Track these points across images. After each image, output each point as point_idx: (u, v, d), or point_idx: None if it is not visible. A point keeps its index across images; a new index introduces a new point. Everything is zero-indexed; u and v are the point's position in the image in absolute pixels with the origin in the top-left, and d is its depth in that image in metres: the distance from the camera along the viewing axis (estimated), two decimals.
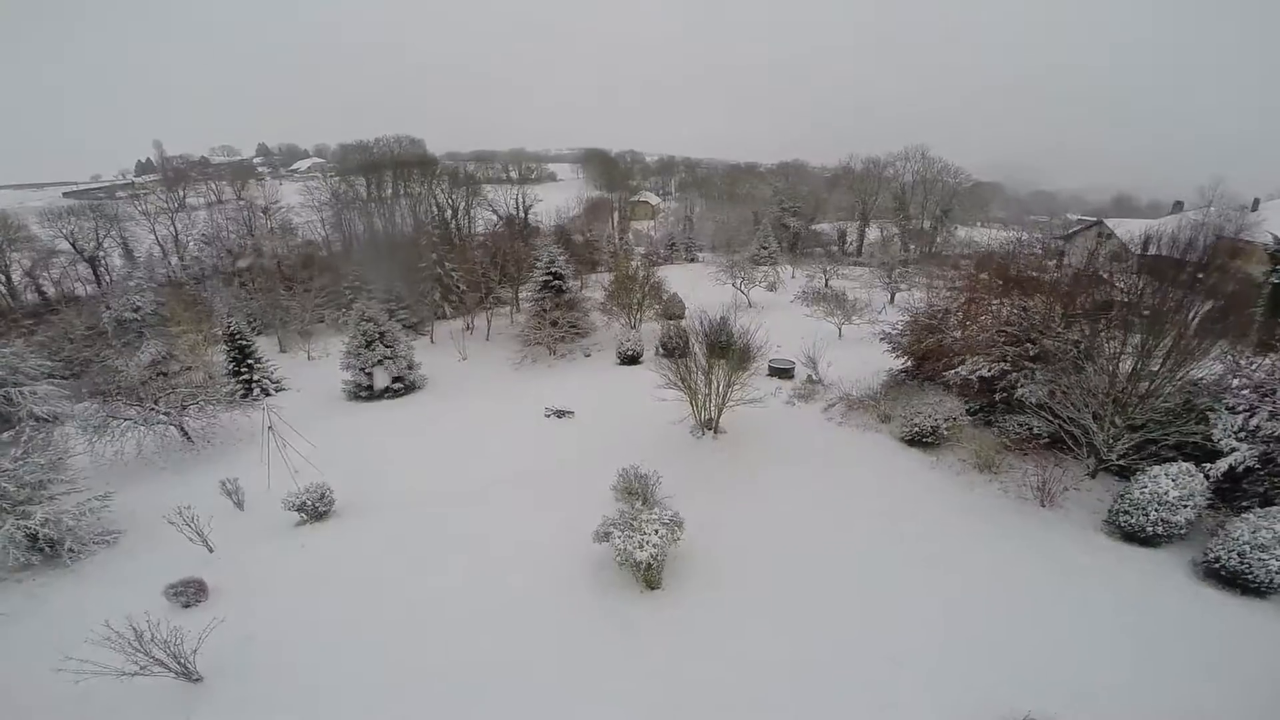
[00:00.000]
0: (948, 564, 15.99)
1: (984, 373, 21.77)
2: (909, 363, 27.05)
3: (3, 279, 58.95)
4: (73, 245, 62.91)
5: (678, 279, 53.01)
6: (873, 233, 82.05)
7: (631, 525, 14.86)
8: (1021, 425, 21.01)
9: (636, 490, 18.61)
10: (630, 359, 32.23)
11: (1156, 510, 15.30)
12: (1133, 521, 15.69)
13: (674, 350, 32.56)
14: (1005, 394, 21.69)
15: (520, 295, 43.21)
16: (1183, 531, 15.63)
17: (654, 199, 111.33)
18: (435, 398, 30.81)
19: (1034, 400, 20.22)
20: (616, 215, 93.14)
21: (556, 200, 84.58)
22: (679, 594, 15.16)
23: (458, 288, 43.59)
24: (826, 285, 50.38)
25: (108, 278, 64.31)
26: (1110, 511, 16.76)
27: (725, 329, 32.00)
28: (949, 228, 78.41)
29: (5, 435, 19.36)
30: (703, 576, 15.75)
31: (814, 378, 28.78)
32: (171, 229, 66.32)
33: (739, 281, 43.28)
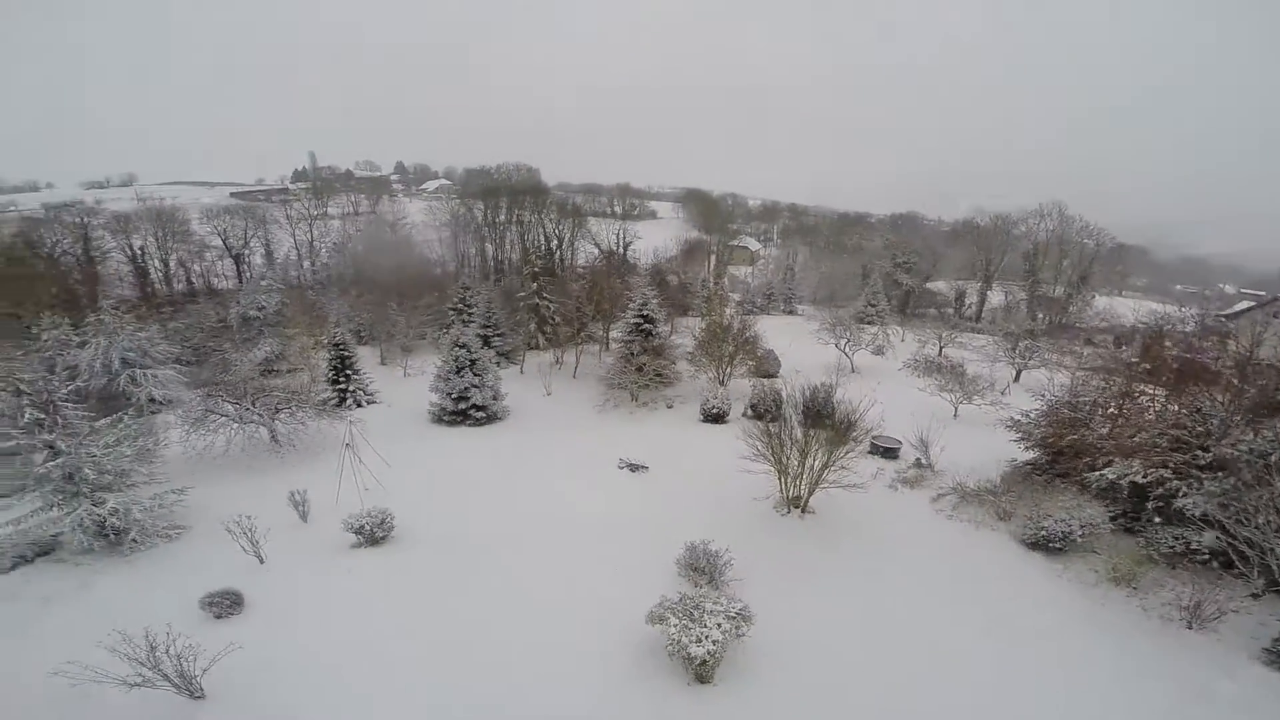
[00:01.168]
0: (1070, 686, 14.04)
1: (1137, 478, 19.08)
2: (1039, 455, 24.26)
3: (161, 267, 66.91)
4: (224, 241, 70.06)
5: (774, 332, 50.72)
6: (995, 296, 75.95)
7: (691, 615, 13.49)
8: (1177, 538, 18.31)
9: (703, 568, 17.13)
10: (715, 417, 30.55)
11: None
12: None
13: (764, 413, 30.69)
14: (1161, 503, 18.89)
15: (611, 334, 42.70)
16: None
17: (754, 244, 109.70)
18: (515, 431, 30.57)
19: (1198, 513, 17.61)
20: (713, 259, 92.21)
21: (655, 238, 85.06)
22: (734, 693, 13.54)
23: (553, 319, 43.85)
24: (941, 353, 46.40)
25: (248, 274, 71.18)
26: (1277, 640, 14.87)
27: (825, 397, 29.83)
28: (1085, 295, 71.07)
29: (106, 420, 20.38)
30: (766, 675, 14.08)
31: (923, 461, 26.18)
32: (309, 234, 72.17)
33: (843, 343, 40.43)
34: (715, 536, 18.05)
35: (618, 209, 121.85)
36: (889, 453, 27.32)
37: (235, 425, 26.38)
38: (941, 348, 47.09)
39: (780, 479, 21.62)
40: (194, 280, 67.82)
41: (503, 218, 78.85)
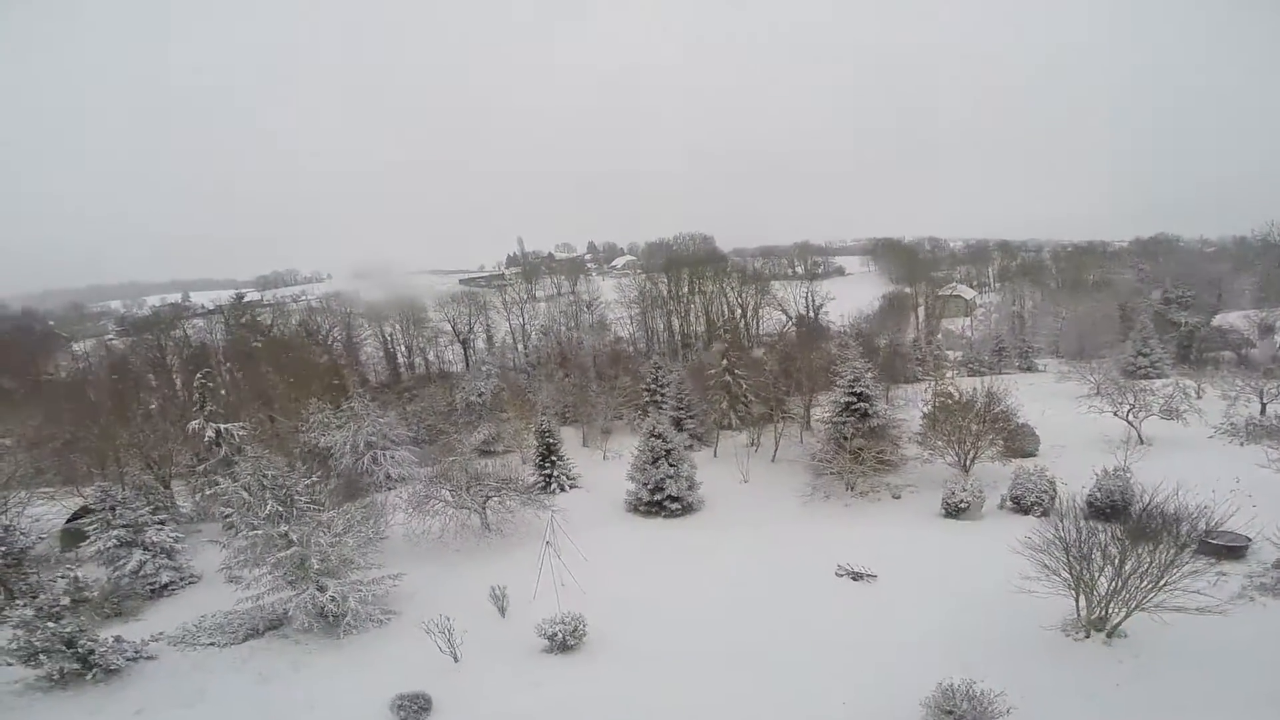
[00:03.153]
0: None
1: None
2: None
3: (405, 351, 78.86)
4: (452, 328, 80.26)
5: (1017, 394, 42.59)
6: None
7: None
8: None
9: (963, 715, 13.03)
10: (959, 510, 25.01)
11: None
12: None
13: (1031, 506, 24.54)
14: None
15: (812, 412, 38.85)
16: None
17: (968, 292, 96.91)
18: (712, 524, 28.25)
19: None
20: (921, 311, 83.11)
21: (848, 296, 79.27)
22: None
23: (745, 397, 41.51)
24: (1263, 411, 34.60)
25: (473, 356, 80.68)
26: None
27: (1121, 485, 22.92)
28: None
29: (335, 511, 22.22)
30: None
31: None
32: (521, 319, 79.87)
33: (1126, 410, 31.83)
34: (978, 670, 14.27)
35: (799, 269, 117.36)
36: (1231, 551, 20.17)
37: (451, 510, 27.90)
38: (1265, 404, 35.16)
39: (1077, 595, 16.30)
40: (429, 363, 78.69)
41: (685, 289, 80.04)
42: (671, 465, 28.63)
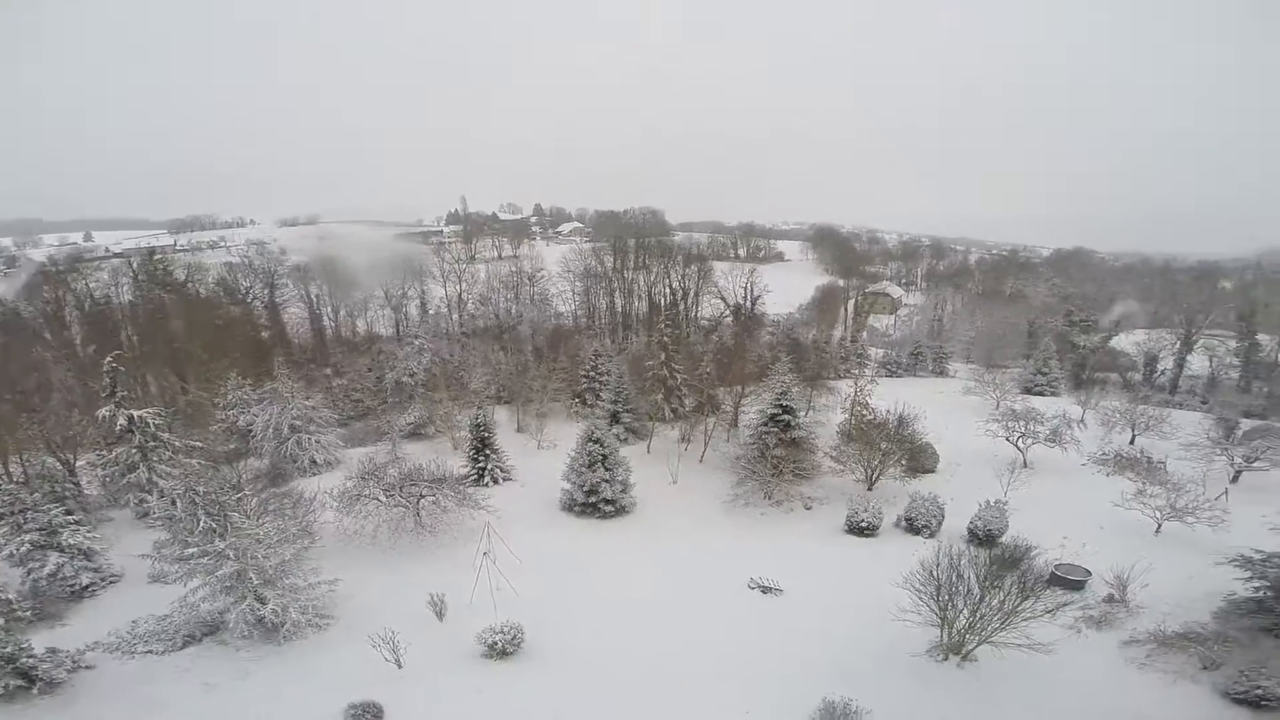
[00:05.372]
0: None
1: None
2: (1267, 591, 20.01)
3: (333, 315, 75.55)
4: (385, 295, 77.28)
5: (925, 403, 45.88)
6: (1197, 360, 63.91)
7: None
8: None
9: None
10: (862, 530, 27.45)
11: None
12: None
13: (921, 528, 27.24)
14: None
15: (741, 412, 40.73)
16: None
17: (895, 291, 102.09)
18: (642, 528, 29.67)
19: None
20: (851, 305, 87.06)
21: (783, 285, 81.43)
22: None
23: (680, 391, 42.88)
24: (1133, 442, 39.09)
25: (404, 324, 78.26)
26: None
27: (998, 517, 25.84)
28: None
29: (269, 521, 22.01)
30: None
31: (1116, 597, 22.09)
32: (458, 286, 77.66)
33: (1017, 436, 35.25)
34: (858, 688, 16.74)
35: (742, 252, 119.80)
36: (1073, 585, 23.08)
37: (384, 509, 27.89)
38: (1134, 436, 39.73)
39: (943, 629, 18.90)
40: (356, 330, 75.76)
41: (631, 268, 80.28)
42: (607, 470, 29.65)
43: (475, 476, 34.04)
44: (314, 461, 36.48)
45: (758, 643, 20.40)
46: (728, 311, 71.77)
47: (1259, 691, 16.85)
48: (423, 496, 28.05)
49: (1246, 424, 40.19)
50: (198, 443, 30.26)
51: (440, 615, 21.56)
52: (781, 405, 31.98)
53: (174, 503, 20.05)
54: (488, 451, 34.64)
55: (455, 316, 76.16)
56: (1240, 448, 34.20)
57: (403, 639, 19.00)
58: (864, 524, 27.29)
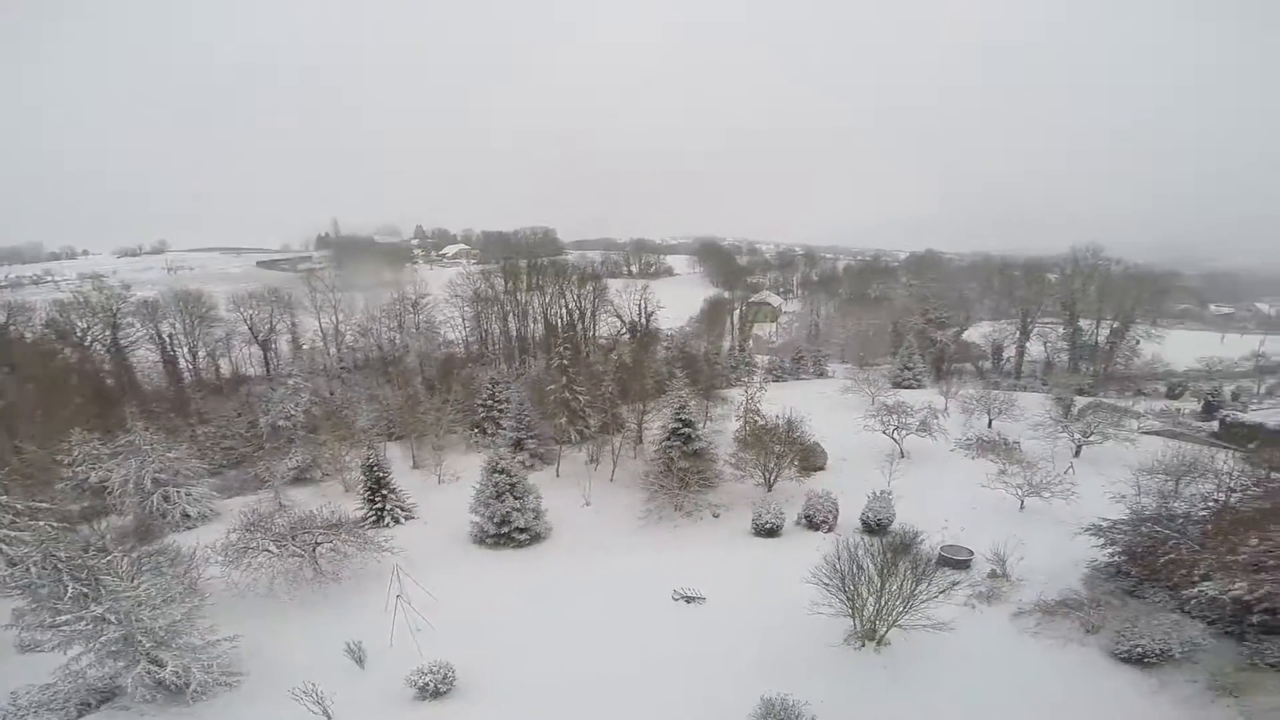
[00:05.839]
0: None
1: (1242, 595, 18.22)
2: (1119, 556, 23.17)
3: (189, 356, 67.42)
4: (250, 329, 70.33)
5: (809, 404, 48.99)
6: (1035, 346, 73.63)
7: None
8: None
9: None
10: (768, 531, 28.84)
11: None
12: None
13: (820, 524, 29.03)
14: (1269, 615, 18.28)
15: (645, 430, 41.45)
16: None
17: (775, 299, 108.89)
18: (560, 552, 29.35)
19: None
20: (737, 315, 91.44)
21: (674, 299, 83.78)
22: None
23: (584, 413, 42.88)
24: (991, 425, 44.26)
25: (275, 361, 71.60)
26: None
27: (885, 506, 28.08)
28: (1129, 341, 68.51)
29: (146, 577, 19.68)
30: None
31: (999, 572, 24.43)
32: (334, 317, 72.31)
33: (892, 429, 38.63)
34: (787, 680, 17.61)
35: (634, 268, 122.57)
36: (960, 565, 25.20)
37: (277, 560, 25.64)
38: (991, 420, 44.99)
39: (854, 615, 20.20)
40: (220, 369, 68.30)
41: (524, 290, 78.81)
42: (517, 498, 29.04)
43: (374, 518, 32.10)
44: (186, 515, 33.23)
45: (691, 650, 20.83)
46: (624, 329, 72.75)
47: (1139, 650, 18.31)
48: (318, 544, 26.07)
49: (1081, 401, 46.85)
50: (44, 503, 26.15)
51: (360, 662, 20.58)
52: (681, 419, 32.99)
53: (29, 569, 17.20)
54: (384, 491, 32.69)
55: (333, 350, 70.98)
56: (1078, 423, 39.49)
57: (326, 689, 17.74)
58: (769, 525, 28.69)
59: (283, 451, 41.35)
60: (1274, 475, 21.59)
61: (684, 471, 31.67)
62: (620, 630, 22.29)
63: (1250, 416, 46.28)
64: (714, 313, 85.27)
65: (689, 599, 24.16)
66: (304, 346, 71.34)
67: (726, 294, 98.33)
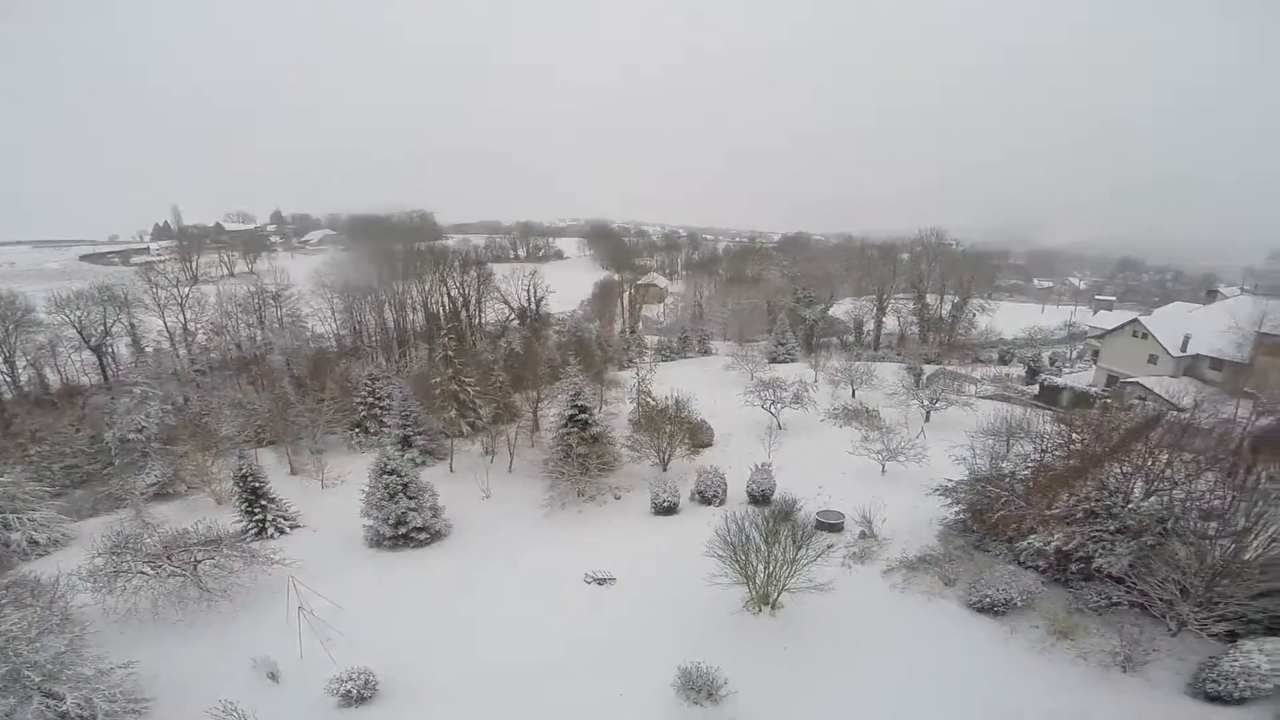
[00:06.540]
0: None
1: (1060, 545, 21.24)
2: (968, 516, 25.70)
3: (5, 368, 57.62)
4: (79, 334, 61.47)
5: (695, 382, 51.66)
6: (890, 321, 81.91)
7: None
8: (1100, 594, 20.66)
9: (700, 687, 17.61)
10: (666, 509, 30.55)
11: (1246, 680, 16.33)
12: (1220, 689, 16.71)
13: (711, 499, 31.09)
14: (1083, 564, 21.03)
15: (540, 416, 41.76)
16: (1269, 693, 16.40)
17: (662, 280, 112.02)
18: (463, 548, 29.01)
19: (1114, 572, 20.04)
20: (626, 297, 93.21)
21: (565, 283, 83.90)
22: None
23: (474, 404, 42.26)
24: (854, 395, 49.01)
25: (113, 368, 63.07)
26: (1196, 678, 17.50)
27: (766, 478, 30.66)
28: (969, 315, 78.13)
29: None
30: None
31: (868, 533, 26.91)
32: (181, 317, 64.95)
33: (769, 403, 41.83)
34: (698, 649, 18.90)
35: (522, 252, 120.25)
36: (834, 528, 27.38)
37: (154, 582, 23.67)
38: (854, 390, 49.86)
39: (749, 585, 21.80)
40: (47, 380, 59.18)
41: (401, 277, 74.93)
42: (411, 498, 28.35)
43: (256, 530, 30.08)
44: (35, 542, 29.60)
45: (608, 630, 21.66)
46: (513, 316, 71.79)
47: (988, 599, 20.44)
48: (198, 561, 24.29)
49: (929, 370, 52.63)
50: None
51: (274, 676, 19.87)
52: (577, 405, 33.68)
53: None
54: (263, 502, 30.54)
55: (183, 352, 63.75)
56: (926, 390, 44.37)
57: (245, 706, 17.07)
58: (666, 504, 30.35)
59: (137, 466, 37.25)
60: (1074, 436, 24.92)
61: (584, 457, 32.49)
62: (538, 618, 22.73)
63: (1062, 380, 54.59)
64: (605, 296, 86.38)
65: (600, 581, 24.97)
66: (148, 349, 63.39)
67: (616, 276, 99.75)
